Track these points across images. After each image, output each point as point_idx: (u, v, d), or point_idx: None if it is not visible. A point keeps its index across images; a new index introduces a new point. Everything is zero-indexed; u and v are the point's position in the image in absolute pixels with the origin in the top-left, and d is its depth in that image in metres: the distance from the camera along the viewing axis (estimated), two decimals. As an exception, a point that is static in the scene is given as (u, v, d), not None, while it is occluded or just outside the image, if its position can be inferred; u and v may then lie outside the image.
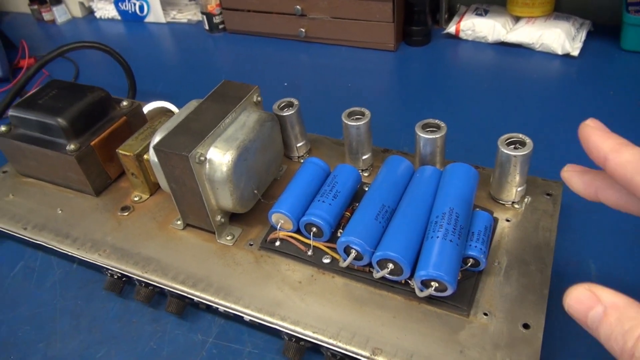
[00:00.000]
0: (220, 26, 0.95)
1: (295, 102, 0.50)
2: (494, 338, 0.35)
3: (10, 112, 0.51)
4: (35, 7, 1.07)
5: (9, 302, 0.49)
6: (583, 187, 0.29)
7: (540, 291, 0.38)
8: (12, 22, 1.12)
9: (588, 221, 0.49)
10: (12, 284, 0.50)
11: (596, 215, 0.49)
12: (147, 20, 1.03)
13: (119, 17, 1.06)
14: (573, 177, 0.29)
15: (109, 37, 1.01)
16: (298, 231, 0.43)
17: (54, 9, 1.06)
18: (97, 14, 1.08)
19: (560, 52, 0.75)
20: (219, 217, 0.44)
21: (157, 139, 0.42)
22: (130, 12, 1.03)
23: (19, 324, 0.47)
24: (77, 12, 1.09)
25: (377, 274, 0.38)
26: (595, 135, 0.27)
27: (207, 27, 0.96)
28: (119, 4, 1.03)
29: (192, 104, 0.46)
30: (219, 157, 0.41)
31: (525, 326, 0.36)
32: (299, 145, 0.52)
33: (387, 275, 0.38)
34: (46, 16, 1.07)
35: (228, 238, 0.45)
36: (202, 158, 0.40)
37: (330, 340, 0.37)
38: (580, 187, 0.29)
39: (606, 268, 0.45)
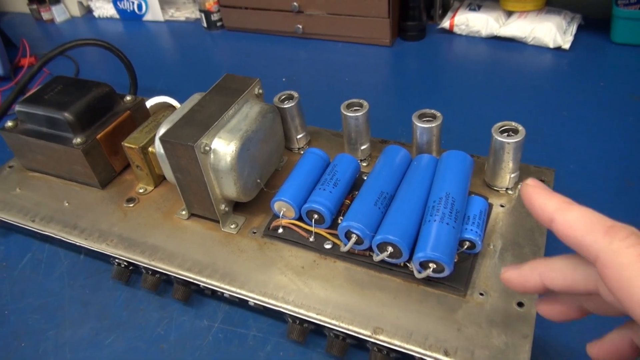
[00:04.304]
0: (218, 23, 0.97)
1: (295, 94, 0.51)
2: (490, 316, 0.37)
3: (17, 108, 0.53)
4: (34, 6, 1.08)
5: (18, 293, 0.50)
6: (525, 279, 0.27)
7: (534, 272, 0.39)
8: (12, 21, 1.13)
9: (579, 207, 0.51)
10: (21, 275, 0.52)
11: (587, 201, 0.51)
12: (145, 18, 1.04)
13: (118, 16, 1.07)
14: (512, 275, 0.27)
15: (107, 35, 1.03)
16: (300, 218, 0.45)
17: (53, 8, 1.07)
18: (96, 13, 1.09)
19: (552, 46, 0.77)
20: (223, 206, 0.46)
21: (162, 130, 0.44)
22: (128, 10, 1.05)
23: (28, 313, 0.48)
24: (76, 12, 1.10)
25: (377, 257, 0.40)
26: (538, 194, 0.25)
27: (205, 24, 0.97)
28: (118, 3, 1.05)
29: (195, 97, 0.48)
30: (223, 147, 0.42)
31: (520, 304, 0.37)
32: (299, 137, 0.53)
33: (387, 259, 0.39)
34: (45, 15, 1.08)
35: (232, 226, 0.47)
36: (207, 148, 0.42)
37: (333, 321, 0.38)
38: (522, 282, 0.27)
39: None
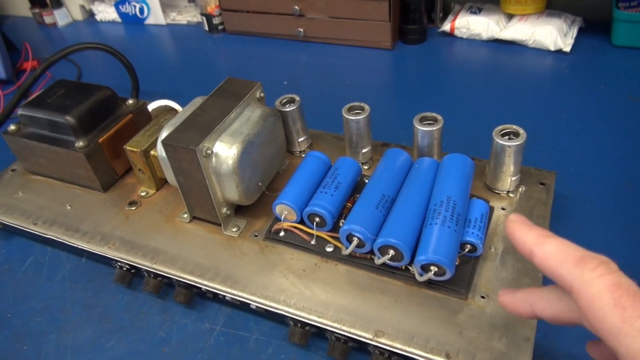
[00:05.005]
0: (220, 27, 0.97)
1: (297, 98, 0.51)
2: (491, 319, 0.37)
3: (20, 111, 0.53)
4: (37, 10, 1.08)
5: (20, 296, 0.50)
6: (518, 305, 0.29)
7: (535, 275, 0.40)
8: (14, 25, 1.13)
9: (581, 210, 0.51)
10: (23, 279, 0.52)
11: (589, 204, 0.51)
12: (147, 22, 1.05)
13: (120, 20, 1.07)
14: (507, 300, 0.29)
15: (110, 39, 1.03)
16: (301, 222, 0.45)
17: (55, 12, 1.08)
18: (98, 17, 1.09)
19: (552, 48, 0.77)
20: (224, 209, 0.46)
21: (164, 134, 0.44)
22: (130, 14, 1.05)
23: (31, 316, 0.48)
24: (78, 15, 1.10)
25: (379, 260, 0.40)
26: (519, 230, 0.27)
27: (206, 28, 0.97)
28: (120, 7, 1.05)
29: (197, 101, 0.48)
30: (225, 150, 0.42)
31: (521, 307, 0.37)
32: (300, 140, 0.53)
33: (388, 262, 0.40)
34: (47, 19, 1.08)
35: (234, 229, 0.47)
36: (209, 151, 0.42)
37: (335, 324, 0.38)
38: (517, 308, 0.29)
39: (598, 253, 0.46)
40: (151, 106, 0.60)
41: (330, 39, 0.89)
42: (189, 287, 0.45)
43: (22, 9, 1.14)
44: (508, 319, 0.37)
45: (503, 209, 0.45)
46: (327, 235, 0.44)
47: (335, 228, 0.44)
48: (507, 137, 0.44)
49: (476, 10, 0.85)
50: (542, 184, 0.47)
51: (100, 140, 0.52)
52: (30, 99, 0.55)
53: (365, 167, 0.51)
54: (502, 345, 0.35)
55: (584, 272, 0.23)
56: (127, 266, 0.47)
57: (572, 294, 0.24)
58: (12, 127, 0.54)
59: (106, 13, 1.08)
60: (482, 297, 0.39)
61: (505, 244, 0.42)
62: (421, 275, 0.38)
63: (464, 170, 0.43)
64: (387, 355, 0.37)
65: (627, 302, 0.21)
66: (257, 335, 0.44)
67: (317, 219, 0.43)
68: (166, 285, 0.47)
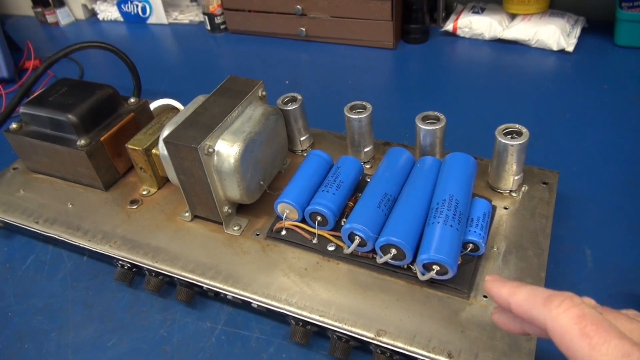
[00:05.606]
0: (222, 26, 0.97)
1: (299, 97, 0.51)
2: (494, 318, 0.37)
3: (22, 110, 0.53)
4: (39, 9, 1.09)
5: (21, 294, 0.50)
6: (508, 323, 0.30)
7: (538, 274, 0.39)
8: (16, 24, 1.14)
9: (584, 209, 0.50)
10: (25, 277, 0.52)
11: (591, 204, 0.51)
12: (149, 21, 1.05)
13: (122, 19, 1.07)
14: (499, 318, 0.31)
15: (112, 38, 1.03)
16: (303, 220, 0.45)
17: (58, 11, 1.08)
18: (100, 16, 1.09)
19: (555, 48, 0.77)
20: (226, 208, 0.46)
21: (166, 132, 0.44)
22: (132, 13, 1.05)
23: (32, 314, 0.48)
24: (80, 15, 1.11)
25: (381, 259, 0.40)
26: (494, 287, 0.29)
27: (208, 27, 0.97)
28: (122, 6, 1.05)
29: (199, 99, 0.48)
30: (227, 149, 0.42)
31: (523, 307, 0.37)
32: (302, 139, 0.53)
33: (390, 261, 0.39)
34: (50, 19, 1.09)
35: (235, 228, 0.47)
36: (211, 150, 0.42)
37: (336, 323, 0.38)
38: (509, 326, 0.30)
39: (601, 253, 0.46)
40: (153, 105, 0.60)
41: (332, 39, 0.89)
42: (190, 285, 0.45)
43: (24, 8, 1.15)
44: (510, 319, 0.37)
45: (505, 208, 0.45)
46: (329, 234, 0.44)
47: (337, 227, 0.44)
48: (510, 136, 0.43)
49: (479, 9, 0.84)
50: (544, 183, 0.47)
51: (102, 138, 0.52)
52: (32, 97, 0.54)
53: (367, 166, 0.51)
54: (504, 345, 0.35)
55: (552, 310, 0.25)
56: (128, 265, 0.47)
57: (547, 331, 0.25)
58: (13, 126, 0.54)
59: (108, 12, 1.08)
60: (484, 296, 0.38)
61: (508, 243, 0.42)
62: (423, 274, 0.38)
63: (466, 169, 0.43)
64: (388, 354, 0.37)
65: (592, 331, 0.23)
66: (258, 334, 0.44)
67: (319, 218, 0.43)
68: (167, 284, 0.47)
